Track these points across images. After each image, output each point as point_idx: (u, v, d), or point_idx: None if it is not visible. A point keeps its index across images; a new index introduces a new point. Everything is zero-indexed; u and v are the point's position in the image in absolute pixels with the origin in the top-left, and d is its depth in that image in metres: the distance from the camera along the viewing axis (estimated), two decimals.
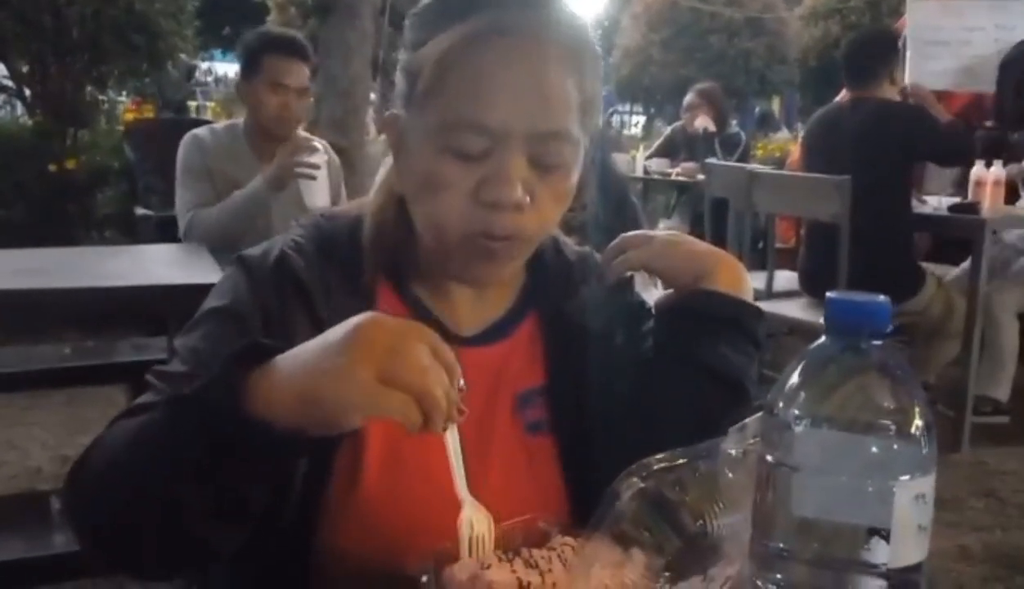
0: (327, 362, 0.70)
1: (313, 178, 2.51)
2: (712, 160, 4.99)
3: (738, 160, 5.64)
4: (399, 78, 0.92)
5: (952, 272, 3.82)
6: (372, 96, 6.24)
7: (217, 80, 16.35)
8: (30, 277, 1.96)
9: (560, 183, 0.89)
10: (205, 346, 0.90)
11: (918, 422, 0.55)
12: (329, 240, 0.96)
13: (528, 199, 0.86)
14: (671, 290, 1.02)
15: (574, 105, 0.87)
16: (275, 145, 2.63)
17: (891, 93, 3.59)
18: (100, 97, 6.38)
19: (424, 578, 0.71)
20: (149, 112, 7.43)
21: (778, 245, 4.14)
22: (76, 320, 2.54)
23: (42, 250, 2.63)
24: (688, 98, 6.27)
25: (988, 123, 4.04)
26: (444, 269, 0.94)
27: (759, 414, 0.61)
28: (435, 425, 0.70)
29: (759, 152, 7.97)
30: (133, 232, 4.26)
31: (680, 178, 6.15)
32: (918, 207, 3.65)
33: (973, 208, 3.54)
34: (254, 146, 2.71)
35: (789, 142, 8.96)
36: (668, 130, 7.25)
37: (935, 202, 3.87)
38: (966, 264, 3.68)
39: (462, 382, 0.73)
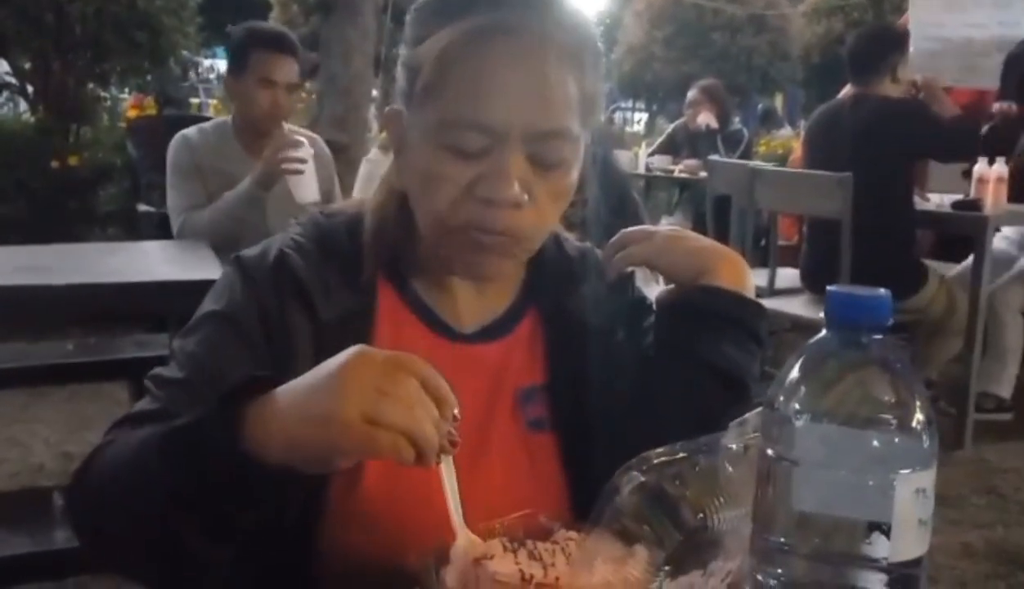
0: (315, 406, 0.70)
1: (300, 172, 2.49)
2: (714, 157, 4.99)
3: (740, 157, 5.64)
4: (400, 74, 0.92)
5: (954, 269, 3.82)
6: (374, 93, 6.24)
7: (219, 77, 16.36)
8: (32, 274, 1.96)
9: (559, 181, 0.89)
10: (201, 352, 0.90)
11: (919, 416, 0.55)
12: (328, 238, 0.96)
13: (526, 197, 0.85)
14: (672, 286, 1.02)
15: (574, 103, 0.87)
16: (265, 141, 2.60)
17: (893, 90, 3.58)
18: (102, 94, 6.38)
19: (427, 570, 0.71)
20: (151, 109, 7.43)
21: (780, 242, 4.14)
22: (78, 316, 2.54)
23: (44, 247, 2.63)
24: (690, 95, 6.27)
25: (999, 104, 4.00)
26: (442, 264, 0.94)
27: (759, 409, 0.61)
28: (427, 461, 0.70)
29: (761, 149, 7.97)
30: (135, 229, 4.26)
31: (682, 175, 6.15)
32: (920, 204, 3.64)
33: (976, 205, 3.54)
34: (244, 143, 2.69)
35: (791, 139, 8.95)
36: (670, 127, 7.25)
37: (937, 199, 3.87)
38: (968, 261, 3.68)
39: (456, 411, 0.72)
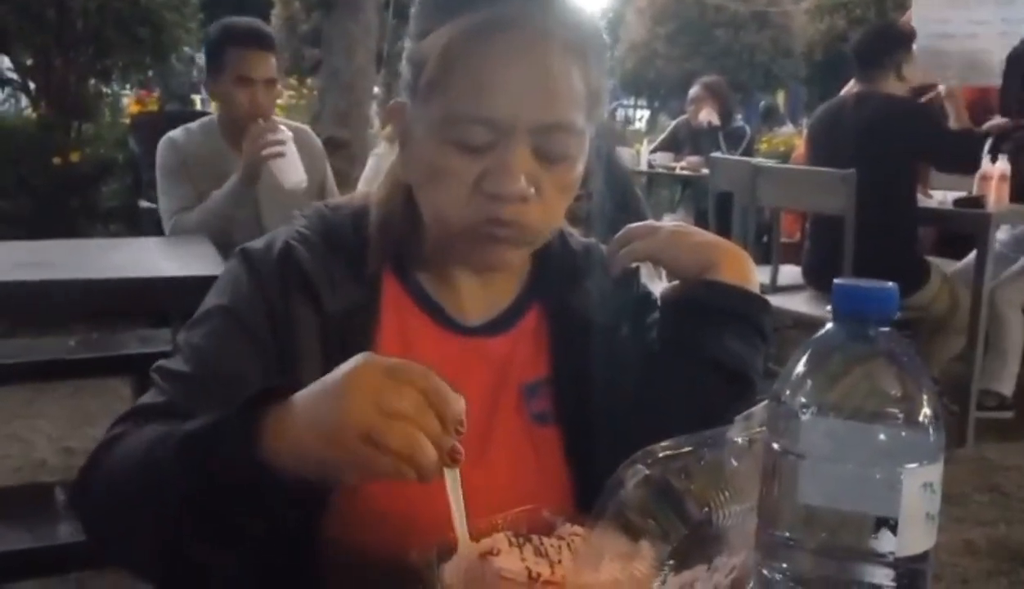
0: (320, 421, 0.69)
1: (281, 154, 2.45)
2: (717, 154, 4.98)
3: (743, 154, 5.63)
4: (404, 67, 0.92)
5: (955, 266, 3.82)
6: (376, 89, 6.24)
7: None
8: (34, 269, 1.96)
9: (565, 175, 0.89)
10: (207, 346, 0.90)
11: (926, 410, 0.55)
12: (334, 231, 0.96)
13: (532, 190, 0.86)
14: (677, 281, 1.01)
15: (579, 97, 0.87)
16: None
17: (898, 88, 3.58)
18: (104, 90, 6.38)
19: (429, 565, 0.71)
20: (153, 105, 7.43)
21: (783, 239, 4.14)
22: (80, 312, 2.53)
23: (46, 242, 2.63)
24: (693, 92, 6.26)
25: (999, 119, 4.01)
26: (451, 256, 0.94)
27: (765, 402, 0.61)
28: (426, 477, 0.68)
29: (764, 146, 7.96)
30: (137, 225, 4.25)
31: (684, 172, 6.15)
32: (923, 201, 3.64)
33: (978, 202, 3.53)
34: (231, 141, 2.64)
35: (794, 136, 8.94)
36: (672, 124, 7.24)
37: (940, 196, 3.86)
38: (968, 258, 3.68)
39: (463, 421, 0.69)
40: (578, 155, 0.89)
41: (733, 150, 5.78)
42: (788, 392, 0.57)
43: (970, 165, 3.55)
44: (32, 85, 6.03)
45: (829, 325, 0.58)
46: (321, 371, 0.87)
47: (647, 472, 0.63)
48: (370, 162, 3.38)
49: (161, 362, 0.92)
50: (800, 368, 0.57)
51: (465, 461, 0.76)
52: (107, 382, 3.48)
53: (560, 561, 0.71)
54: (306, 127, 2.88)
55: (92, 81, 6.08)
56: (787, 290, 3.72)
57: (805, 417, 0.56)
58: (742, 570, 0.67)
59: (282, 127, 2.52)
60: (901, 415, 0.55)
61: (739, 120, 6.58)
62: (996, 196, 3.54)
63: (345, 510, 0.87)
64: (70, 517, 2.03)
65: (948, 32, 4.44)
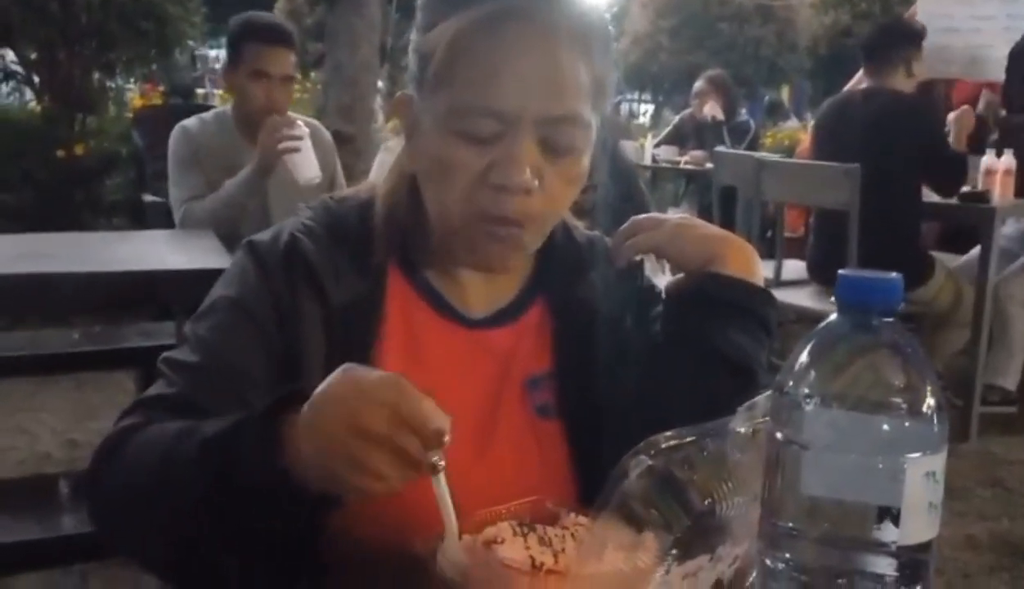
0: (308, 441, 0.71)
1: (297, 150, 2.47)
2: (721, 148, 4.97)
3: (747, 148, 5.62)
4: (411, 59, 0.92)
5: (959, 260, 3.81)
6: (380, 83, 6.23)
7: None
8: (38, 261, 1.96)
9: (571, 167, 0.89)
10: (214, 338, 0.91)
11: (929, 400, 0.55)
12: (339, 223, 0.96)
13: (537, 182, 0.86)
14: (681, 274, 1.01)
15: (585, 89, 0.87)
16: None
17: (906, 84, 3.57)
18: (108, 84, 6.38)
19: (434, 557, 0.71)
20: (157, 99, 7.43)
21: (787, 234, 4.13)
22: (84, 305, 2.53)
23: (50, 235, 2.63)
24: (697, 85, 6.26)
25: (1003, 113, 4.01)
26: (453, 253, 0.94)
27: (768, 393, 0.61)
28: (394, 493, 0.70)
29: (768, 140, 7.94)
30: (141, 218, 4.25)
31: (688, 166, 6.14)
32: (927, 195, 3.64)
33: (983, 197, 3.53)
34: (244, 132, 2.66)
35: (798, 130, 8.91)
36: (676, 118, 7.23)
37: None
38: (972, 253, 3.67)
39: (447, 430, 0.69)
40: (584, 148, 0.89)
41: (737, 144, 5.77)
42: (792, 382, 0.57)
43: (953, 186, 3.51)
44: (36, 78, 6.04)
45: (833, 315, 0.58)
46: (325, 363, 0.88)
47: (650, 463, 0.63)
48: (380, 156, 3.38)
49: (168, 353, 0.93)
50: (804, 358, 0.57)
51: (468, 454, 0.76)
52: (110, 375, 3.48)
53: (564, 551, 0.71)
54: (318, 123, 2.89)
55: (96, 75, 6.08)
56: (791, 285, 3.72)
57: (809, 407, 0.56)
58: (745, 560, 0.67)
59: (299, 122, 2.53)
60: (904, 405, 0.55)
61: (743, 114, 6.57)
62: (1001, 191, 3.53)
63: (351, 502, 0.88)
64: (74, 509, 2.04)
65: (953, 27, 4.44)
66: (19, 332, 3.42)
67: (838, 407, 0.55)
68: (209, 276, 0.99)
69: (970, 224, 3.67)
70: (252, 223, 2.41)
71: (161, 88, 8.08)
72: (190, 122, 2.71)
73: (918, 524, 0.55)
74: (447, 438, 0.69)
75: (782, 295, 3.46)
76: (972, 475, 3.19)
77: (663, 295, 1.04)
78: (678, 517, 0.63)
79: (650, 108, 18.25)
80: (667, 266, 1.04)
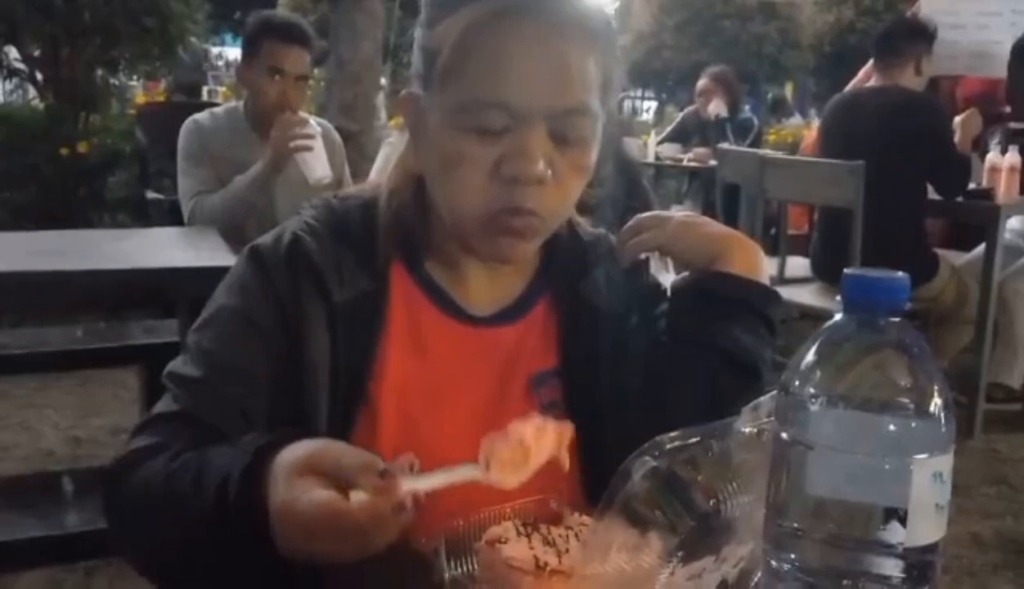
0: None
1: (309, 148, 2.48)
2: (724, 146, 4.96)
3: (750, 146, 5.61)
4: (416, 56, 0.91)
5: (964, 258, 3.80)
6: (383, 80, 6.22)
7: (228, 64, 16.34)
8: (41, 259, 1.96)
9: (580, 158, 0.89)
10: (216, 349, 0.91)
11: (936, 399, 0.55)
12: (342, 221, 0.96)
13: (549, 173, 0.86)
14: (686, 272, 1.01)
15: (594, 81, 0.87)
16: None
17: (915, 82, 3.56)
18: (111, 81, 6.38)
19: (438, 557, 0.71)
20: (160, 96, 7.43)
21: (790, 231, 4.12)
22: (87, 302, 2.54)
23: (53, 232, 2.63)
24: (700, 83, 6.24)
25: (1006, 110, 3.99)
26: (467, 248, 0.94)
27: (773, 392, 0.60)
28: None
29: (772, 138, 7.92)
30: (145, 216, 4.25)
31: (692, 164, 6.12)
32: (932, 192, 3.63)
33: (987, 195, 3.51)
34: (255, 128, 2.67)
35: (802, 128, 8.90)
36: (680, 115, 7.22)
37: None
38: (977, 250, 3.66)
39: (382, 466, 0.69)
40: (592, 139, 0.90)
41: (741, 142, 5.76)
42: (797, 382, 0.57)
43: (957, 189, 3.49)
44: (40, 76, 6.03)
45: (839, 315, 0.57)
46: (330, 361, 0.88)
47: (654, 463, 0.63)
48: (383, 151, 3.38)
49: (172, 367, 0.93)
50: (810, 357, 0.57)
51: (473, 451, 0.75)
52: (114, 372, 3.49)
53: (568, 551, 0.71)
54: (329, 124, 2.90)
55: (100, 72, 6.08)
56: (795, 282, 3.72)
57: (814, 407, 0.55)
58: (750, 561, 0.67)
59: (311, 122, 2.54)
60: (911, 405, 0.54)
61: (747, 111, 6.55)
62: (1006, 188, 3.52)
63: None
64: (78, 506, 2.04)
65: (958, 23, 4.43)
66: (23, 329, 3.42)
67: (844, 407, 0.55)
68: (213, 273, 0.99)
69: (975, 221, 3.66)
70: (260, 221, 2.41)
71: (162, 86, 8.08)
72: (201, 116, 2.72)
73: (925, 525, 0.54)
74: (384, 468, 0.68)
75: (786, 292, 3.44)
76: (977, 473, 3.19)
77: (668, 293, 1.04)
78: (682, 518, 0.62)
79: (653, 105, 18.24)
80: (672, 264, 1.03)
